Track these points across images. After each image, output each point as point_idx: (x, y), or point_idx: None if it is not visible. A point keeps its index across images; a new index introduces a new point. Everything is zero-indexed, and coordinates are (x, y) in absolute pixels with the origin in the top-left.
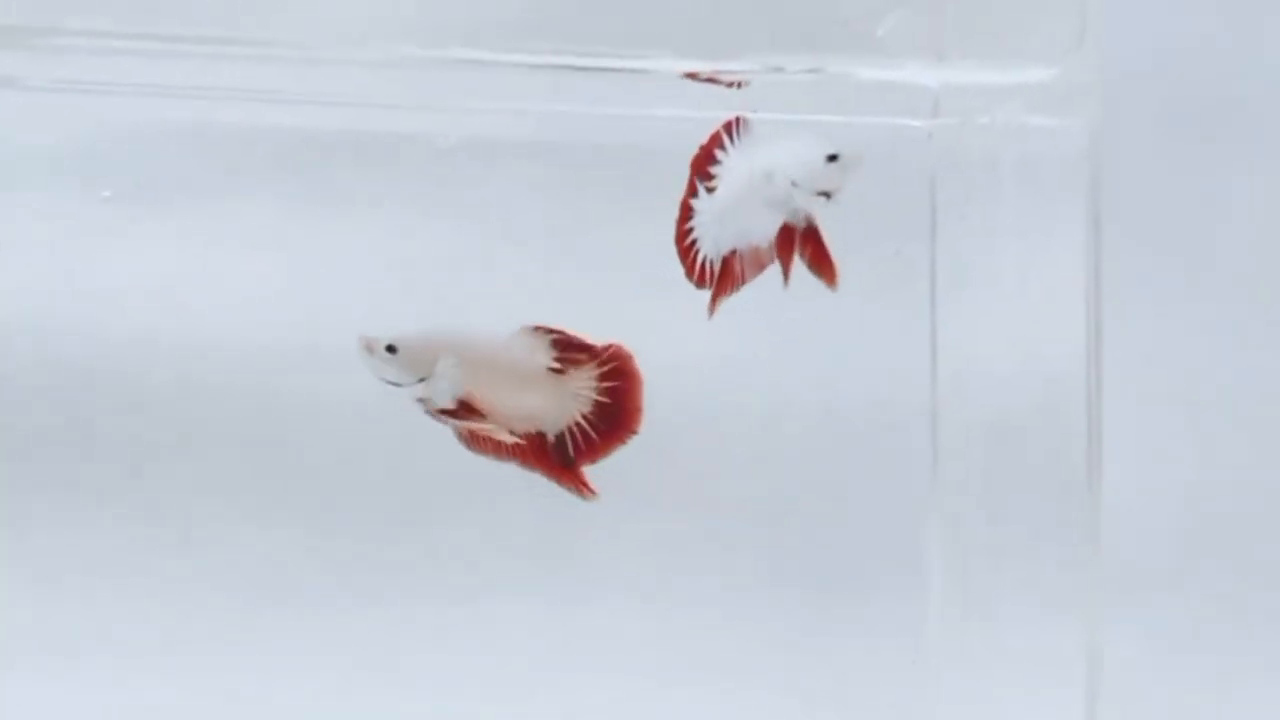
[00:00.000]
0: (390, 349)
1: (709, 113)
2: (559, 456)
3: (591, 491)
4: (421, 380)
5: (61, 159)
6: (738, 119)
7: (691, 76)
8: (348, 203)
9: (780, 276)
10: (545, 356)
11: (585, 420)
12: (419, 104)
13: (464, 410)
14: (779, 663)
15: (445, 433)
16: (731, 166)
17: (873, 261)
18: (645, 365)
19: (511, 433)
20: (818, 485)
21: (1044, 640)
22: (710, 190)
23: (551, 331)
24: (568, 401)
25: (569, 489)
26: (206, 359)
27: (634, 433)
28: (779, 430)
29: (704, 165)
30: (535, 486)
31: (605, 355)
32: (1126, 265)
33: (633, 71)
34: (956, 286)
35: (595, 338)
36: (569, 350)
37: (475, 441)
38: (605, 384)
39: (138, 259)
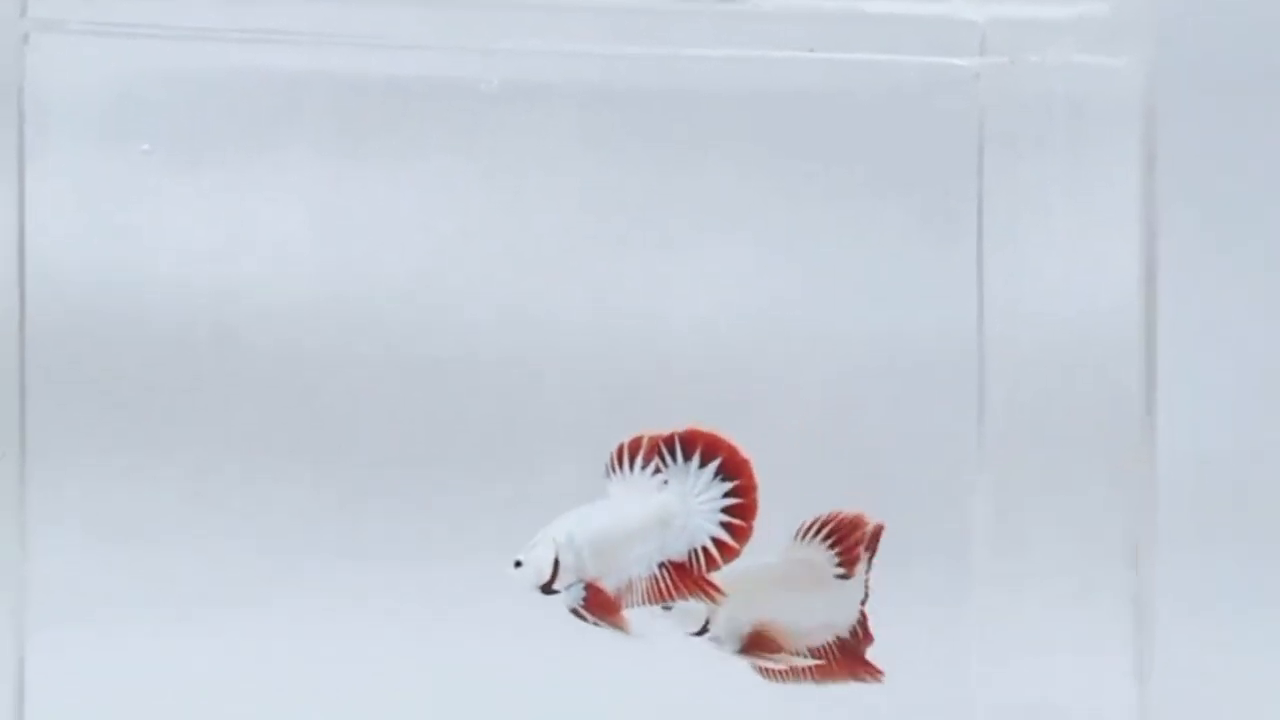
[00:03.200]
0: (518, 564)
1: (762, 51)
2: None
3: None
4: (706, 625)
5: (101, 109)
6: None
7: None
8: (388, 151)
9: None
10: (825, 560)
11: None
12: (463, 46)
13: (755, 644)
14: None
15: (488, 385)
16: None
17: (918, 203)
18: (690, 317)
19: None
20: (862, 433)
21: (1094, 590)
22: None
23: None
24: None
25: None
26: (247, 310)
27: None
28: (822, 377)
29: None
30: (574, 442)
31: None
32: (1180, 208)
33: (682, 13)
34: (1005, 230)
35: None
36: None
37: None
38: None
39: (178, 211)
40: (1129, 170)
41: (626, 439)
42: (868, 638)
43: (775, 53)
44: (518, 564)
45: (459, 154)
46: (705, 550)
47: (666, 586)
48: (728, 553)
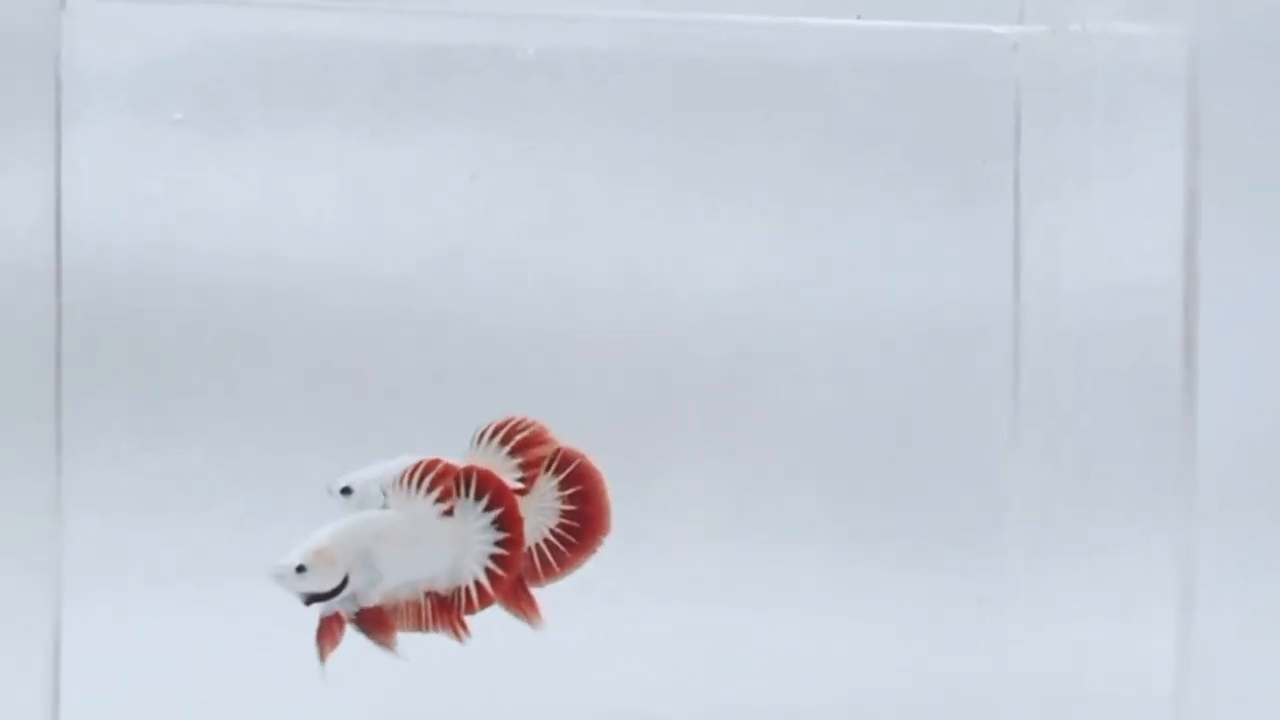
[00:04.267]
0: (300, 569)
1: (806, 19)
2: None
3: (540, 618)
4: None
5: (136, 77)
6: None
7: None
8: (421, 118)
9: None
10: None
11: (553, 534)
12: (498, 14)
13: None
14: (862, 588)
15: (517, 354)
16: None
17: (954, 174)
18: (724, 287)
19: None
20: (897, 404)
21: (1131, 562)
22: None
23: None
24: (532, 515)
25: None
26: (279, 279)
27: (606, 534)
28: (856, 348)
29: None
30: (611, 417)
31: (561, 461)
32: (1223, 180)
33: None
34: (1042, 202)
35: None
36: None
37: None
38: (568, 491)
39: (212, 179)
40: (1170, 141)
41: (423, 460)
42: (485, 597)
43: (812, 20)
44: (299, 569)
45: (492, 122)
46: (467, 590)
47: (427, 616)
48: (484, 600)
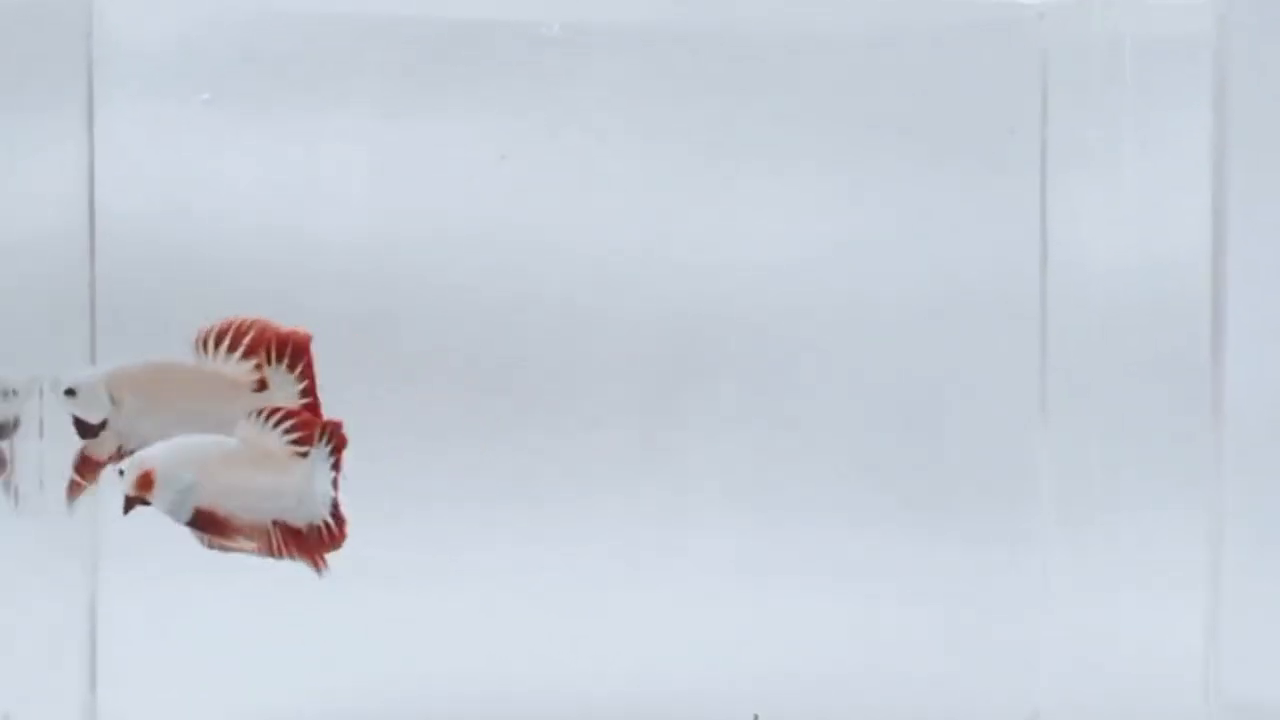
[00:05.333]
0: (70, 392)
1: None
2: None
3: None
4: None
5: (166, 55)
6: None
7: None
8: (450, 96)
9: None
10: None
11: None
12: None
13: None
14: (891, 560)
15: (549, 327)
16: None
17: (981, 147)
18: (751, 261)
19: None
20: (923, 376)
21: (1162, 536)
22: None
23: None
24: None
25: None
26: (310, 258)
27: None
28: (883, 321)
29: None
30: (640, 392)
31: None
32: (1252, 153)
33: None
34: (1069, 175)
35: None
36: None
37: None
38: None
39: (242, 157)
40: (1199, 112)
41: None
42: (332, 537)
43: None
44: (120, 472)
45: (519, 99)
46: (318, 529)
47: (278, 544)
48: (334, 540)
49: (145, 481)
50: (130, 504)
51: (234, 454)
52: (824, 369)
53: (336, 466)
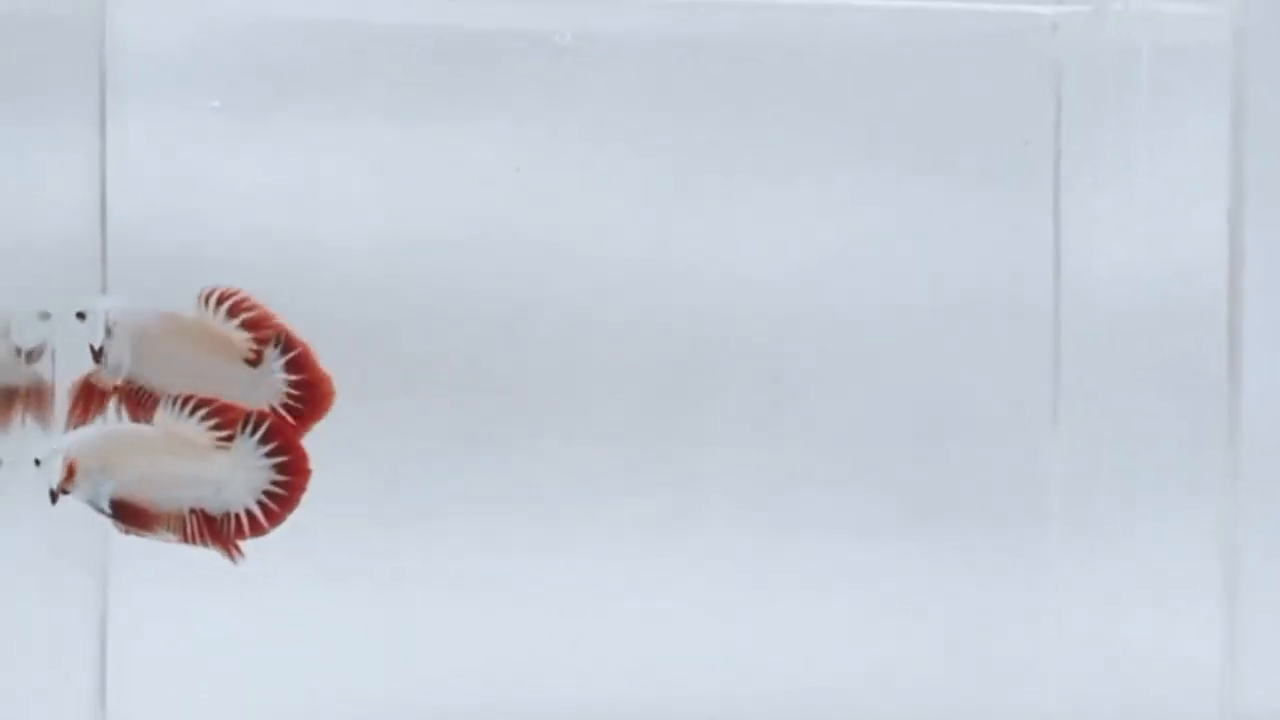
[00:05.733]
0: (80, 315)
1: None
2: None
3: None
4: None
5: (177, 60)
6: None
7: None
8: (461, 104)
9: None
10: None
11: (284, 406)
12: None
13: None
14: (901, 570)
15: (551, 331)
16: None
17: (994, 156)
18: (762, 269)
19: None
20: (936, 385)
21: (1176, 545)
22: None
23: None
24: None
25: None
26: (316, 263)
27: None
28: (896, 329)
29: None
30: (648, 400)
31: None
32: (1270, 162)
33: None
34: (1083, 184)
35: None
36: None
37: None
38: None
39: (250, 164)
40: (1215, 122)
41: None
42: (256, 526)
43: (851, 1)
44: (36, 462)
45: (530, 107)
46: (237, 517)
47: (194, 532)
48: (255, 529)
49: (69, 473)
50: (55, 496)
51: (153, 442)
52: (834, 379)
53: (272, 441)
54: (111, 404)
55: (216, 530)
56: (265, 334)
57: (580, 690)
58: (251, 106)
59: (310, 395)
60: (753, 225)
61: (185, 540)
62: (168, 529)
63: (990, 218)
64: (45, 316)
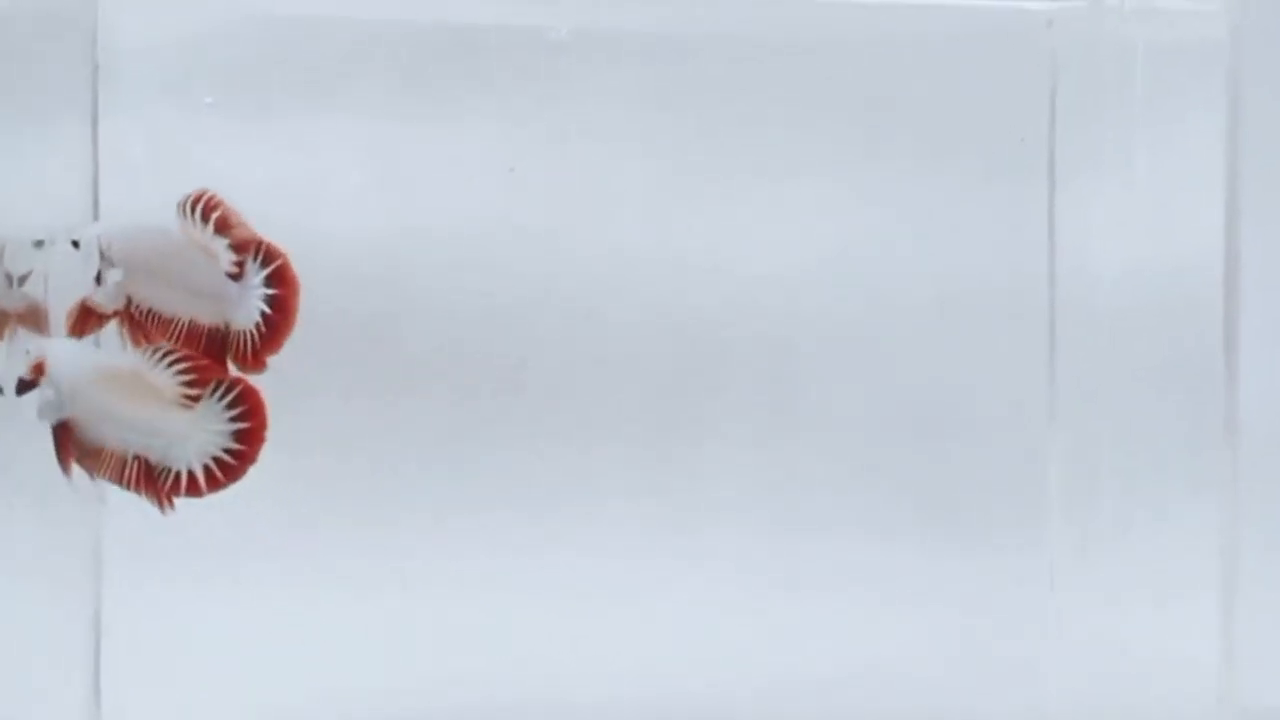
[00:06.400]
0: (75, 244)
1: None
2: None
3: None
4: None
5: (170, 57)
6: None
7: None
8: (456, 99)
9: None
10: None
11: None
12: None
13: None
14: (900, 567)
15: (553, 329)
16: None
17: (989, 152)
18: (759, 266)
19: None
20: (933, 381)
21: (1175, 541)
22: None
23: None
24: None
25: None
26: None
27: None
28: (893, 325)
29: None
30: (651, 398)
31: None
32: (1266, 160)
33: None
34: (1079, 181)
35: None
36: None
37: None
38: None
39: (244, 159)
40: (1211, 118)
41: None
42: (194, 487)
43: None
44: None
45: (525, 103)
46: (177, 475)
47: (130, 477)
48: (192, 489)
49: (38, 369)
50: (23, 386)
51: (122, 380)
52: (833, 376)
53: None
54: (113, 327)
55: (153, 481)
56: (244, 245)
57: (580, 690)
58: (244, 103)
59: (281, 304)
60: (750, 223)
61: (119, 483)
62: (105, 467)
63: (986, 215)
64: (39, 244)
